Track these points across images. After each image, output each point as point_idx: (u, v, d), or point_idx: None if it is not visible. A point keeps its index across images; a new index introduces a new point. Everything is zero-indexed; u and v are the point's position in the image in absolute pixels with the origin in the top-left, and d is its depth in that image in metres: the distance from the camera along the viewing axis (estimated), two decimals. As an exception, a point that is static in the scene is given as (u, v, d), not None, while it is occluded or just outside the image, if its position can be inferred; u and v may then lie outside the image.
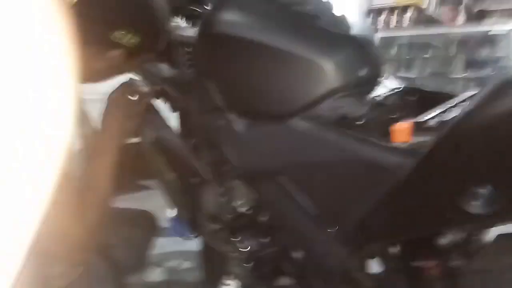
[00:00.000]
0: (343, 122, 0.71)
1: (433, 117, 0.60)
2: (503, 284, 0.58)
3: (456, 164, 0.46)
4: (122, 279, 1.15)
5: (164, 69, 1.10)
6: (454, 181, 0.47)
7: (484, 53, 4.01)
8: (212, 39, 0.88)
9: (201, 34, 0.92)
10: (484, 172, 0.44)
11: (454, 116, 0.57)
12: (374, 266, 0.83)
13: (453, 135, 0.46)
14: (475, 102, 0.43)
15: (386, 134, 0.66)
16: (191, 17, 1.20)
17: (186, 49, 1.13)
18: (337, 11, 0.79)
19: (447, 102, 0.67)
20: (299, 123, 0.75)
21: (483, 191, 0.44)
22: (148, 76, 1.10)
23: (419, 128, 0.59)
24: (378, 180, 0.61)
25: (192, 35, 1.11)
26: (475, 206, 0.46)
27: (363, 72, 0.76)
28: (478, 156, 0.44)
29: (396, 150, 0.60)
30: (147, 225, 1.40)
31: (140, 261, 1.50)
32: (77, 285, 0.96)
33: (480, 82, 4.05)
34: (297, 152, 0.75)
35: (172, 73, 1.09)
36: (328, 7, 0.79)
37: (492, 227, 0.54)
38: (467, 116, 0.44)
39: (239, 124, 0.86)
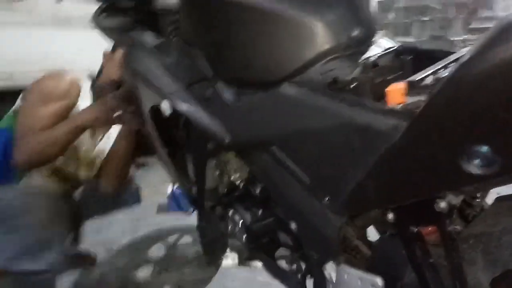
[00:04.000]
0: (335, 86, 0.68)
1: (428, 75, 0.57)
2: (503, 247, 0.56)
3: (452, 120, 0.43)
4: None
5: (150, 38, 1.06)
6: (451, 140, 0.44)
7: (484, 13, 3.92)
8: (195, 4, 0.83)
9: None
10: (482, 130, 0.41)
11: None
12: (372, 233, 0.81)
13: (448, 89, 0.42)
14: (472, 50, 0.39)
15: (381, 96, 0.63)
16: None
17: (171, 16, 1.09)
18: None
19: (444, 60, 0.63)
20: (290, 89, 0.71)
21: (483, 150, 0.41)
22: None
23: (414, 87, 0.55)
24: (373, 144, 0.58)
25: (176, 2, 1.06)
26: (475, 166, 0.43)
27: (355, 32, 0.71)
28: (475, 111, 0.40)
29: (391, 112, 0.56)
30: None
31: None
32: None
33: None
34: (288, 120, 0.72)
35: (158, 42, 1.05)
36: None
37: (492, 188, 0.51)
38: (463, 66, 0.40)
39: (228, 93, 0.82)
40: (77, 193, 1.49)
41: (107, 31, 1.18)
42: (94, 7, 1.22)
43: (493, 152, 0.40)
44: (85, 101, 1.34)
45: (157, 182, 2.46)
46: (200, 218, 1.42)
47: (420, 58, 0.72)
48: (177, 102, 0.92)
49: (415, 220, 0.59)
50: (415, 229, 0.59)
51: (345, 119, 0.62)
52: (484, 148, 0.41)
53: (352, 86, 0.66)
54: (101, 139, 1.48)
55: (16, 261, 1.13)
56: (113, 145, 1.51)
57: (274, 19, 0.71)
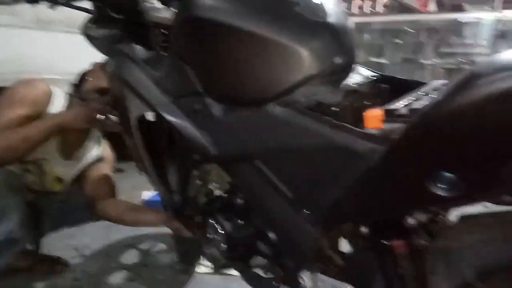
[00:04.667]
0: (319, 108, 0.73)
1: (404, 105, 0.63)
2: (464, 260, 0.63)
3: (424, 150, 0.49)
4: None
5: (139, 50, 1.10)
6: (422, 166, 0.51)
7: (453, 40, 4.15)
8: (189, 23, 0.87)
9: (178, 18, 0.92)
10: (448, 159, 0.48)
11: (424, 105, 0.60)
12: (345, 245, 0.87)
13: (421, 123, 0.49)
14: (443, 93, 0.46)
15: (359, 120, 0.69)
16: (166, -1, 1.20)
17: (161, 30, 1.13)
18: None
19: (417, 90, 0.70)
20: (276, 109, 0.76)
21: (449, 175, 0.47)
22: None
23: (390, 115, 0.61)
24: (351, 164, 0.63)
25: (167, 17, 1.10)
26: (442, 189, 0.49)
27: (338, 60, 0.77)
28: (443, 144, 0.47)
29: (368, 136, 0.62)
30: None
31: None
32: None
33: (449, 69, 4.21)
34: (273, 137, 0.77)
35: (148, 55, 1.08)
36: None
37: (455, 207, 0.58)
38: (435, 106, 0.47)
39: (216, 108, 0.87)
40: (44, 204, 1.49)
41: (97, 41, 1.21)
42: (77, 11, 1.24)
43: (456, 178, 0.47)
44: (58, 106, 1.37)
45: (131, 188, 2.47)
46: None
47: (396, 86, 0.79)
48: (165, 113, 0.96)
49: (386, 234, 0.65)
50: (386, 242, 0.65)
51: (326, 140, 0.67)
52: (449, 175, 0.47)
53: (334, 109, 0.72)
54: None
55: None
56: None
57: (264, 43, 0.76)
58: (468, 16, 3.90)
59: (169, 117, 0.94)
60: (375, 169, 0.57)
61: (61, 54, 2.29)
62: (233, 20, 0.78)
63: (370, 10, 4.34)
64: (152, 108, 1.00)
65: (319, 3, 0.79)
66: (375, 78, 0.83)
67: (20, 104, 1.26)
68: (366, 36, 4.47)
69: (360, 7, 4.29)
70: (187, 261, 1.72)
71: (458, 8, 3.96)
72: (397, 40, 4.43)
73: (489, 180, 0.45)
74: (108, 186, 1.55)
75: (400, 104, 0.63)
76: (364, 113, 0.66)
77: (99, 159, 1.61)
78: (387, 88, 0.80)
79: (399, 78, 0.83)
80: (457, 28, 4.04)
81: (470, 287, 0.61)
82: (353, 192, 0.63)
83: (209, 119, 0.87)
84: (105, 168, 1.59)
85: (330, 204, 0.68)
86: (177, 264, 1.74)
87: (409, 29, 4.26)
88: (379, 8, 4.38)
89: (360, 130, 0.64)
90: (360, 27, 4.31)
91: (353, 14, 4.20)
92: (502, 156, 0.43)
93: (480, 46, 3.87)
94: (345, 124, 0.66)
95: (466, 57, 4.05)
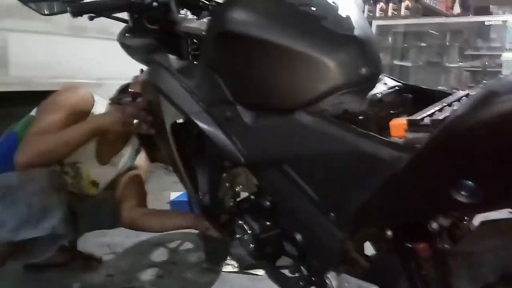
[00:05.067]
0: (345, 117, 0.77)
1: (427, 115, 0.67)
2: (484, 264, 0.66)
3: (446, 160, 0.53)
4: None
5: (172, 60, 1.16)
6: (445, 174, 0.54)
7: (479, 43, 4.11)
8: (221, 37, 0.92)
9: (210, 31, 0.97)
10: (469, 169, 0.51)
11: (446, 116, 0.63)
12: (370, 248, 0.90)
13: (443, 135, 0.52)
14: (463, 108, 0.50)
15: (384, 129, 0.72)
16: (197, 9, 1.26)
17: (193, 40, 1.19)
18: (341, 12, 0.84)
19: (441, 101, 0.73)
20: (304, 117, 0.81)
21: (469, 184, 0.51)
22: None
23: (414, 125, 0.65)
24: (376, 170, 0.67)
25: (198, 27, 1.16)
26: (464, 196, 0.53)
27: (364, 71, 0.81)
28: (463, 155, 0.50)
29: (393, 144, 0.66)
30: None
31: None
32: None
33: (474, 72, 4.16)
34: (301, 144, 0.81)
35: (181, 64, 1.14)
36: (333, 8, 0.84)
37: (475, 214, 0.61)
38: (456, 120, 0.50)
39: (246, 116, 0.91)
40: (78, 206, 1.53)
41: (131, 50, 1.27)
42: (109, 19, 1.31)
43: (477, 186, 0.50)
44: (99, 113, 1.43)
45: (159, 189, 2.55)
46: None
47: (419, 96, 0.82)
48: (198, 121, 1.01)
49: (410, 237, 0.69)
50: (410, 245, 0.68)
51: (353, 147, 0.71)
52: (470, 183, 0.51)
53: (360, 118, 0.75)
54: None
55: (18, 231, 1.18)
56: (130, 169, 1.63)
57: (294, 56, 0.80)
58: (494, 18, 3.84)
59: (202, 125, 0.99)
60: (400, 176, 0.60)
61: (93, 60, 2.39)
62: (264, 34, 0.83)
63: (392, 13, 4.33)
64: (185, 116, 1.05)
65: (345, 16, 0.83)
66: (399, 87, 0.86)
67: (62, 109, 1.33)
68: (390, 39, 4.45)
69: (383, 10, 4.28)
70: (214, 260, 1.78)
71: (484, 10, 3.90)
72: (421, 43, 4.40)
73: (507, 189, 0.49)
74: (138, 194, 1.59)
75: (423, 115, 0.66)
76: (390, 122, 0.70)
77: (134, 168, 1.67)
78: (411, 97, 0.83)
79: (423, 88, 0.86)
80: (482, 30, 3.99)
81: (491, 290, 0.64)
82: (379, 197, 0.66)
83: (240, 126, 0.92)
84: (139, 177, 1.64)
85: (356, 208, 0.71)
86: (204, 262, 1.80)
87: (433, 32, 4.22)
88: (403, 10, 4.37)
89: (385, 138, 0.67)
90: (384, 30, 4.30)
91: (376, 17, 4.19)
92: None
93: (506, 49, 3.82)
94: (370, 132, 0.70)
95: (491, 60, 3.99)
